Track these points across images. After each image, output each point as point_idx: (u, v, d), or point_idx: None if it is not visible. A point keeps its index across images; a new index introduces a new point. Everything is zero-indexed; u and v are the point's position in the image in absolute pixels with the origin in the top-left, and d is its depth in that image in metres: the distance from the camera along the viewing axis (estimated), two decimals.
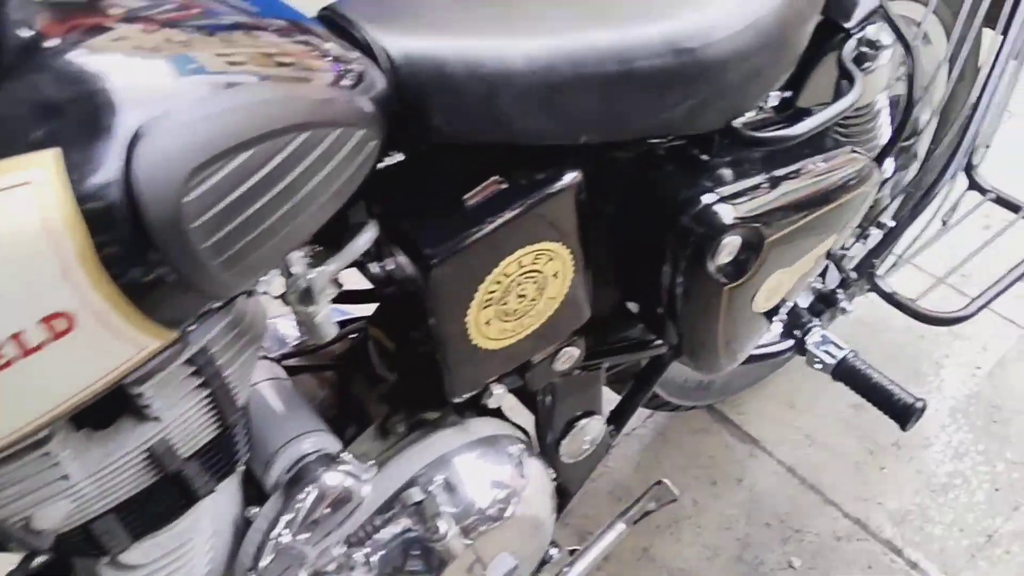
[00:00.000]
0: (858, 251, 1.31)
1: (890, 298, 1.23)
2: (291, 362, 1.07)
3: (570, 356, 1.00)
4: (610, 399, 1.21)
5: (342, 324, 1.15)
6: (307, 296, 0.77)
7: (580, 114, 0.82)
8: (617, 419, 1.18)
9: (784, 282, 0.99)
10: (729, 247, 0.90)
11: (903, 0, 1.26)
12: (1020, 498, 1.54)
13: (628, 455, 1.67)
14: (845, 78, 0.95)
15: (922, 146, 1.46)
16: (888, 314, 1.40)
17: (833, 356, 1.15)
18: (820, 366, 1.17)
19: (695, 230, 0.89)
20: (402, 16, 0.80)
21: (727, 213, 0.90)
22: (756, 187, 0.93)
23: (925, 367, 1.75)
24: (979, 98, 1.27)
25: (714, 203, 0.90)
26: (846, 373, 1.14)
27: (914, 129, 1.25)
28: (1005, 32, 1.34)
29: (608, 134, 0.85)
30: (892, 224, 1.25)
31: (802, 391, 1.72)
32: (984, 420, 1.65)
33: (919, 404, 1.11)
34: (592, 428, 1.11)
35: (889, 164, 1.20)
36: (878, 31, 0.99)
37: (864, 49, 0.99)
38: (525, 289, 0.90)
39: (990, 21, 1.36)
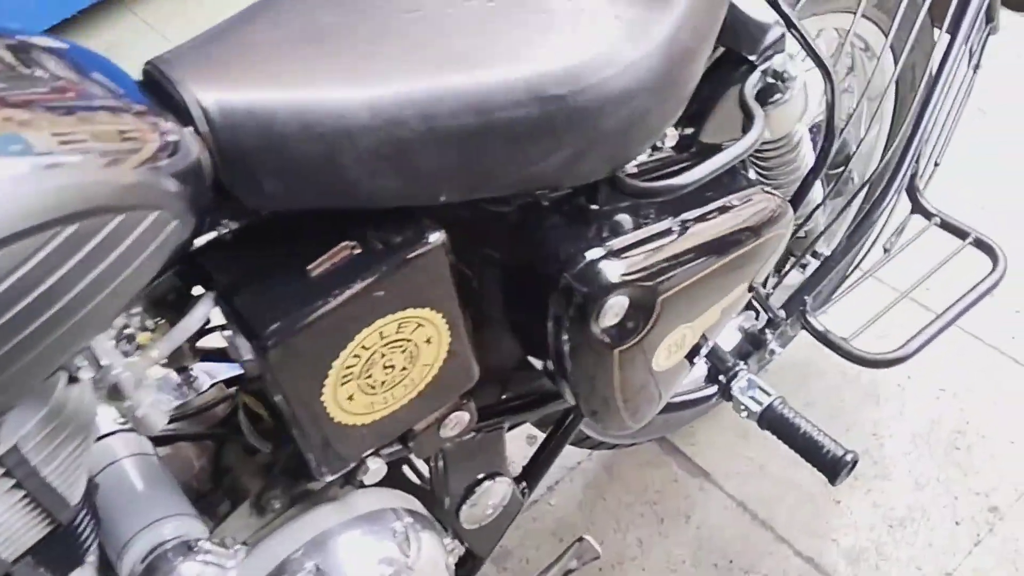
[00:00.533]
0: (797, 279, 1.22)
1: (823, 338, 1.14)
2: (167, 428, 1.00)
3: (459, 421, 0.92)
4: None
5: (228, 383, 1.07)
6: (116, 392, 0.68)
7: (436, 172, 0.74)
8: (530, 476, 1.10)
9: (688, 336, 0.91)
10: (615, 308, 0.81)
11: (833, 14, 1.17)
12: (982, 532, 1.46)
13: (572, 491, 1.59)
14: (746, 116, 0.86)
15: (872, 165, 1.37)
16: (846, 332, 1.31)
17: (759, 403, 1.07)
18: (746, 414, 1.09)
19: (577, 290, 0.81)
20: (227, 67, 0.71)
21: (612, 271, 0.81)
22: (648, 239, 0.84)
23: (886, 389, 1.66)
24: (922, 110, 1.17)
25: (598, 260, 0.82)
26: (773, 422, 1.06)
27: (846, 155, 1.16)
28: (954, 31, 1.24)
29: (470, 192, 0.77)
30: (827, 254, 1.16)
31: None
32: (946, 447, 1.57)
33: (849, 457, 1.03)
34: (497, 491, 1.03)
35: (818, 190, 1.11)
36: (785, 61, 0.90)
37: (771, 81, 0.90)
38: (392, 359, 0.81)
39: (936, 19, 1.26)
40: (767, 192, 0.93)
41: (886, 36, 1.27)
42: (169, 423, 1.00)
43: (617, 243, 0.83)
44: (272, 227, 0.77)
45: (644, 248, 0.83)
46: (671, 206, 0.87)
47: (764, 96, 0.92)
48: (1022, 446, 1.55)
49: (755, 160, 1.02)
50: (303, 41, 0.76)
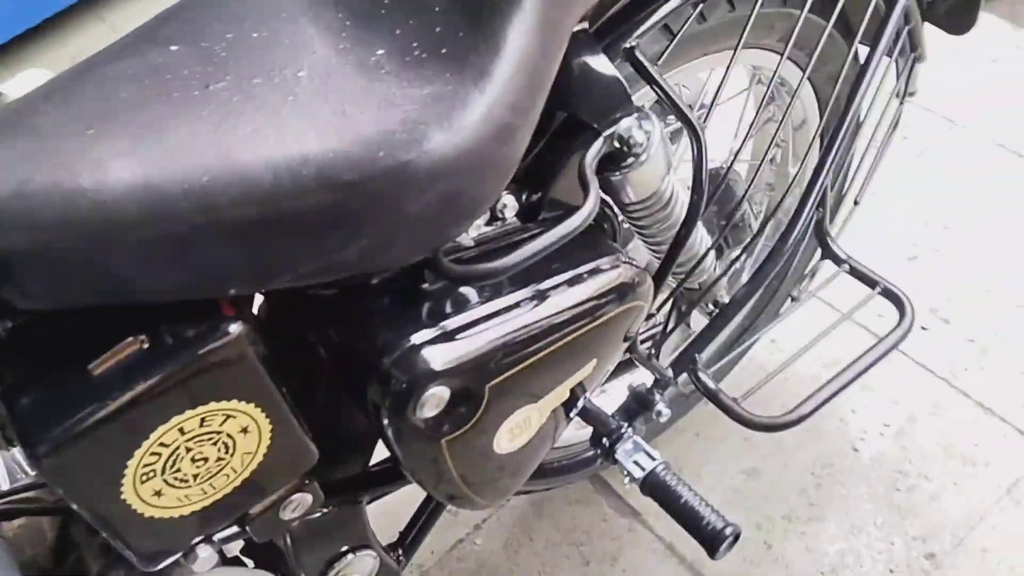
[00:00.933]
0: (697, 325, 1.16)
1: (713, 398, 1.08)
2: (17, 499, 0.97)
3: (302, 502, 0.88)
4: None
5: None
6: None
7: (220, 267, 0.69)
8: (404, 544, 1.05)
9: (535, 417, 0.86)
10: (435, 399, 0.76)
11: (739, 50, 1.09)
12: None
13: (499, 530, 1.54)
14: (582, 187, 0.80)
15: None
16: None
17: (643, 468, 1.01)
18: (628, 479, 1.03)
19: (394, 379, 0.76)
20: None
21: (432, 359, 0.76)
22: (477, 322, 0.79)
23: (829, 423, 1.59)
24: (827, 148, 1.10)
25: (418, 347, 0.76)
26: (655, 488, 1.00)
27: (733, 200, 1.09)
28: (873, 44, 1.14)
29: (264, 284, 0.72)
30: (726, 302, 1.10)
31: (692, 454, 1.58)
32: (886, 487, 1.50)
33: (729, 531, 0.97)
34: (361, 565, 0.98)
35: (703, 236, 1.05)
36: (631, 127, 0.84)
37: (617, 146, 0.84)
38: (203, 452, 0.77)
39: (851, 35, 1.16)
40: (624, 261, 0.87)
41: (800, 69, 1.21)
42: (25, 491, 0.98)
43: (441, 328, 0.77)
44: (57, 320, 0.72)
45: (471, 332, 0.78)
46: (509, 283, 0.82)
47: (616, 161, 0.86)
48: (965, 489, 1.48)
49: (629, 219, 0.96)
50: (89, 123, 0.71)
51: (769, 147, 1.10)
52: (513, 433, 0.84)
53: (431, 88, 0.72)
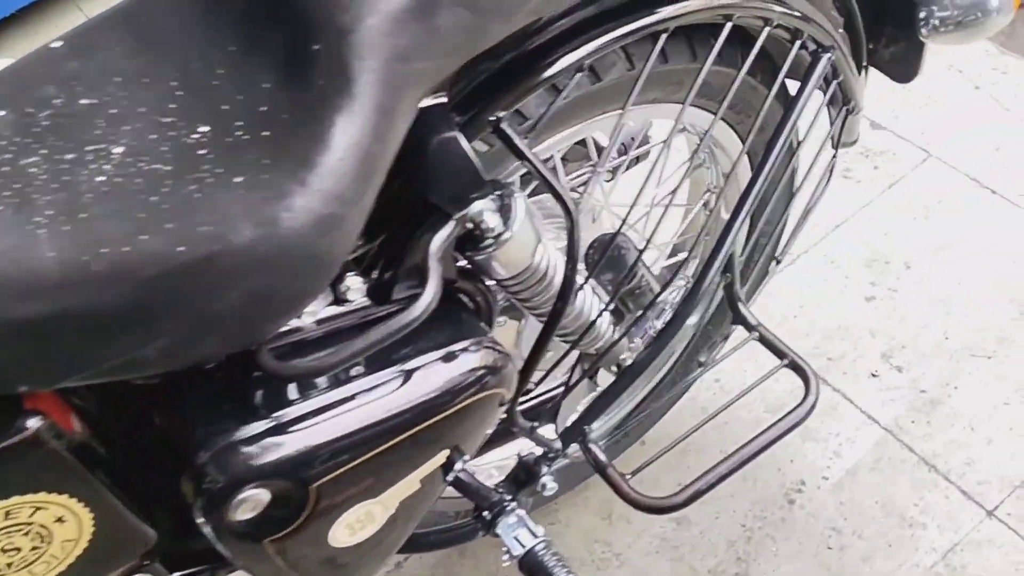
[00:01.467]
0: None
1: (602, 472, 1.03)
2: None
3: None
4: None
5: None
6: None
7: (4, 364, 0.65)
8: None
9: (379, 511, 0.81)
10: (251, 502, 0.72)
11: (648, 105, 1.03)
12: None
13: (420, 569, 1.51)
14: (423, 276, 0.75)
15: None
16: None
17: (522, 545, 0.97)
18: (507, 556, 0.99)
19: (208, 478, 0.72)
20: None
21: (251, 458, 0.72)
22: (305, 417, 0.74)
23: (767, 472, 1.54)
24: (736, 209, 1.03)
25: (236, 444, 0.72)
26: (532, 568, 0.95)
27: (628, 269, 1.03)
28: (794, 99, 1.07)
29: (57, 381, 0.67)
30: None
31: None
32: (818, 544, 1.45)
33: None
34: None
35: (591, 302, 0.99)
36: (483, 211, 0.78)
37: (470, 227, 0.79)
38: (14, 542, 0.73)
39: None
40: (487, 344, 0.82)
41: (729, 126, 1.15)
42: None
43: (263, 424, 0.73)
44: None
45: (296, 428, 0.73)
46: (355, 371, 0.77)
47: (474, 243, 0.81)
48: (899, 551, 1.42)
49: (506, 292, 0.91)
50: None
51: (674, 192, 1.03)
52: (353, 528, 0.80)
53: (247, 176, 0.67)
